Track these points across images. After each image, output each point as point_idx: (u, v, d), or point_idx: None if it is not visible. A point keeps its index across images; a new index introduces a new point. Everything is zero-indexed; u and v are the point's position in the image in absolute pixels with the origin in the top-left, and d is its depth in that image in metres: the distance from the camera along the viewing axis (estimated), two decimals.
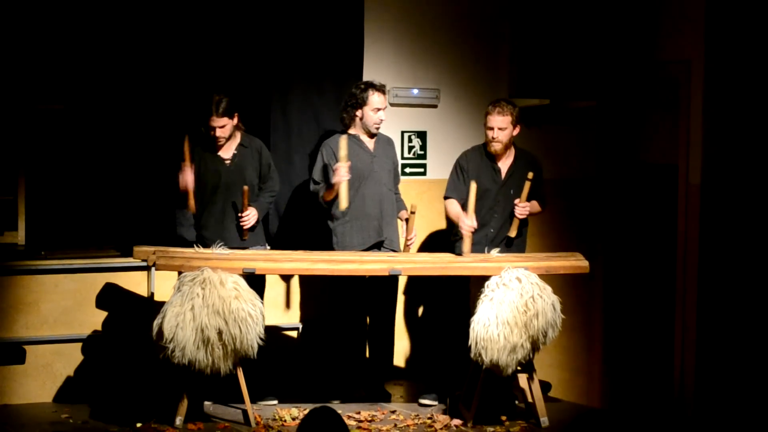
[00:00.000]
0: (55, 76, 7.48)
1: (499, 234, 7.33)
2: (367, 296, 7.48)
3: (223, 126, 7.12)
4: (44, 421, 6.89)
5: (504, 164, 7.40)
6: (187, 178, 7.09)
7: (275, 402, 7.25)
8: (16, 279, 7.32)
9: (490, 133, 7.32)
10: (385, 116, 7.44)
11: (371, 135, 7.45)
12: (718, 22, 7.99)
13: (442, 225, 8.12)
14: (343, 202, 7.19)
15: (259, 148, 7.34)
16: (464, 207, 7.25)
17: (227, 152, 7.24)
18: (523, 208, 7.29)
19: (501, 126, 7.29)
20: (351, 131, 7.46)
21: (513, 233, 7.32)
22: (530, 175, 7.27)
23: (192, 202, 7.12)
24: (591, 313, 8.89)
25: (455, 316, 7.24)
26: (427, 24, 8.36)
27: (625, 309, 8.84)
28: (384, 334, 7.60)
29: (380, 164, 7.47)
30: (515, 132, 7.35)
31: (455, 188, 7.37)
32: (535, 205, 7.44)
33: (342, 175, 7.14)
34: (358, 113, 7.40)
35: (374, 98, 7.38)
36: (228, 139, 7.19)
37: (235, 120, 7.17)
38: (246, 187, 7.13)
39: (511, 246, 7.33)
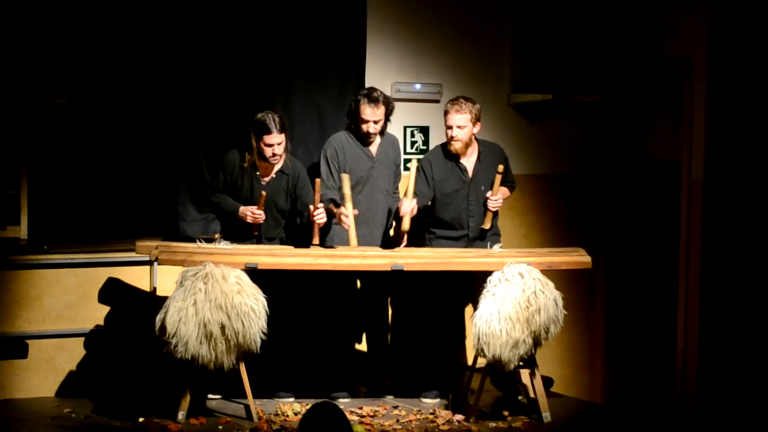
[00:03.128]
0: (58, 70, 7.48)
1: (476, 231, 7.33)
2: (363, 291, 7.48)
3: (281, 143, 7.11)
4: (47, 416, 6.90)
5: (469, 162, 7.36)
6: (259, 219, 7.13)
7: (291, 398, 7.25)
8: (19, 273, 7.33)
9: (449, 132, 7.28)
10: (376, 129, 7.37)
11: (366, 142, 7.41)
12: (722, 17, 7.98)
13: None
14: (353, 242, 7.16)
15: (297, 174, 7.28)
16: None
17: (268, 174, 7.23)
18: (495, 201, 7.29)
19: (459, 124, 7.25)
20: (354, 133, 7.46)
21: (487, 225, 7.33)
22: (500, 168, 7.26)
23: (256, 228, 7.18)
24: (593, 309, 8.89)
25: (457, 311, 7.24)
26: (430, 19, 8.35)
27: (628, 305, 8.84)
28: (380, 328, 7.60)
29: (380, 170, 7.44)
30: (476, 129, 7.32)
31: (417, 191, 7.32)
32: (505, 192, 7.45)
33: (347, 219, 7.09)
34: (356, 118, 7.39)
35: (363, 109, 7.32)
36: (281, 156, 7.16)
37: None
38: (318, 180, 7.12)
39: (484, 239, 7.32)
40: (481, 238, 7.34)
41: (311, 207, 7.10)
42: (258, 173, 7.19)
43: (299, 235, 7.36)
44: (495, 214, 7.40)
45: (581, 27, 8.48)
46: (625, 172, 8.84)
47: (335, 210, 7.16)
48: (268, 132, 7.06)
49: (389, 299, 7.72)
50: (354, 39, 8.00)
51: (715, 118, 8.01)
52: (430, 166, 7.38)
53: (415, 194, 7.24)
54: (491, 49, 8.51)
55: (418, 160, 7.34)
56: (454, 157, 7.34)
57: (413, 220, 7.30)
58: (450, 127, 7.27)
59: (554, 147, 8.67)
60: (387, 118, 7.43)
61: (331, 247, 7.27)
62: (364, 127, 7.34)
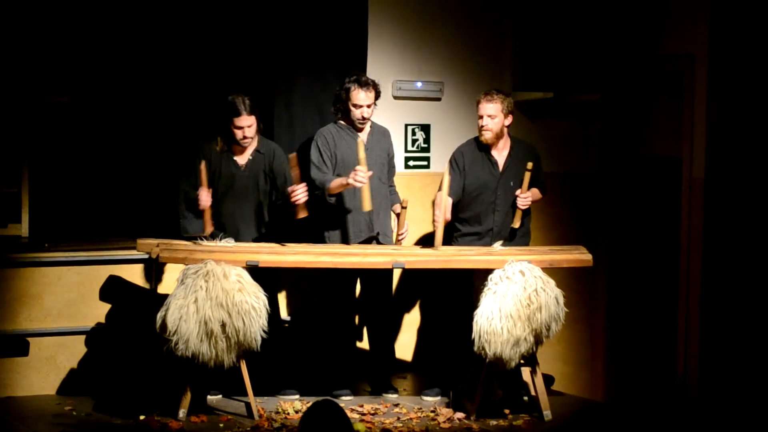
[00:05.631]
0: (60, 68, 7.48)
1: (502, 228, 7.32)
2: (363, 290, 7.48)
3: (251, 125, 7.11)
4: (48, 414, 6.90)
5: (500, 156, 7.37)
6: (204, 201, 7.00)
7: (296, 396, 7.25)
8: (20, 271, 7.33)
9: (480, 122, 7.30)
10: (369, 113, 7.36)
11: (358, 129, 7.41)
12: (723, 15, 7.98)
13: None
14: (366, 205, 7.13)
15: (272, 152, 7.27)
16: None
17: (243, 157, 7.22)
18: (524, 198, 7.28)
19: (490, 114, 7.26)
20: (342, 122, 7.42)
21: (517, 224, 7.31)
22: (529, 165, 7.25)
23: (208, 221, 7.04)
24: (594, 307, 8.89)
25: (458, 309, 7.24)
26: (431, 17, 8.35)
27: (629, 302, 8.84)
28: (384, 326, 7.60)
29: (373, 157, 7.42)
30: (507, 122, 7.32)
31: (449, 185, 7.32)
32: (536, 193, 7.43)
33: (362, 178, 7.07)
34: (343, 106, 7.37)
35: (355, 94, 7.30)
36: (252, 138, 7.17)
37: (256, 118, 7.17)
38: (293, 155, 7.09)
39: (514, 238, 7.32)
40: (511, 237, 7.33)
41: (290, 188, 7.04)
42: (234, 157, 7.19)
43: (286, 225, 7.35)
44: (526, 213, 7.38)
45: (582, 25, 8.48)
46: (626, 170, 8.84)
47: (344, 181, 7.13)
48: (238, 114, 7.05)
49: (393, 297, 7.71)
50: (355, 36, 8.00)
51: (716, 116, 8.01)
52: (462, 156, 7.36)
53: (450, 193, 7.22)
54: (492, 47, 8.51)
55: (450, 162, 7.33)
56: (485, 150, 7.34)
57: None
58: (481, 117, 7.28)
59: (555, 145, 8.66)
60: (375, 102, 7.42)
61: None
62: (359, 112, 7.32)
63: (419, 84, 8.28)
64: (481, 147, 7.35)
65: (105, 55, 7.52)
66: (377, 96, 7.39)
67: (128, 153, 7.69)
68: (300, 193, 7.01)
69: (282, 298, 7.92)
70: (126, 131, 7.67)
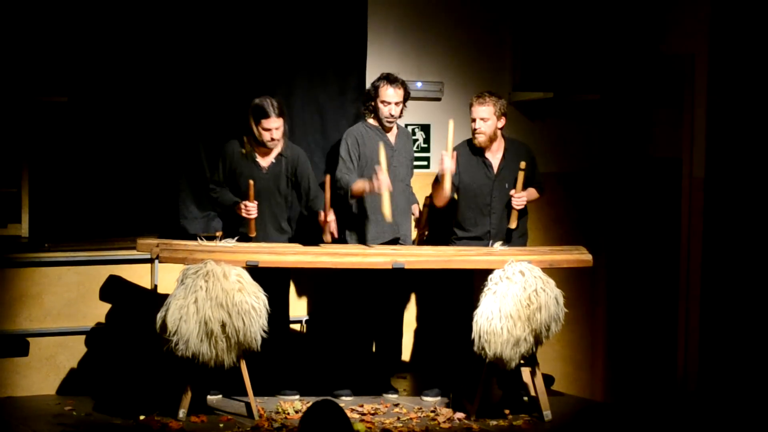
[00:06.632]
0: (59, 68, 7.46)
1: (499, 230, 7.31)
2: (374, 290, 7.47)
3: (278, 127, 7.12)
4: (48, 414, 6.90)
5: (495, 158, 7.36)
6: (254, 213, 7.08)
7: (297, 396, 7.24)
8: (20, 271, 7.33)
9: (473, 125, 7.30)
10: (397, 111, 7.39)
11: (386, 128, 7.42)
12: (723, 15, 7.98)
13: (445, 219, 8.12)
14: (387, 213, 7.09)
15: (296, 157, 7.28)
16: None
17: (266, 160, 7.23)
18: (519, 198, 7.27)
19: (483, 116, 7.25)
20: (371, 121, 7.44)
21: (513, 225, 7.30)
22: (522, 164, 7.25)
23: (253, 228, 7.12)
24: (594, 307, 8.89)
25: (458, 309, 7.24)
26: (431, 16, 8.35)
27: (629, 302, 8.84)
28: (391, 328, 7.59)
29: (399, 159, 7.45)
30: (500, 124, 7.31)
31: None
32: (532, 193, 7.42)
33: (384, 184, 7.06)
34: (374, 104, 7.38)
35: (383, 91, 7.34)
36: (279, 141, 7.17)
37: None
38: (328, 177, 7.12)
39: (511, 240, 7.31)
40: (508, 238, 7.32)
41: (321, 212, 7.08)
42: (257, 159, 7.19)
43: (306, 229, 7.35)
44: (522, 214, 7.37)
45: (582, 25, 8.49)
46: (627, 170, 8.84)
47: (367, 186, 7.13)
48: (266, 116, 7.08)
49: (395, 298, 7.71)
50: (355, 37, 8.00)
51: (716, 116, 8.01)
52: (456, 155, 7.36)
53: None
54: (492, 47, 8.51)
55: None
56: (479, 152, 7.34)
57: (439, 218, 7.29)
58: (474, 120, 7.28)
59: (555, 145, 8.67)
60: (404, 103, 7.42)
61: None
62: (386, 109, 7.34)
63: (419, 84, 8.28)
64: (475, 150, 7.35)
65: (105, 55, 7.50)
66: (406, 95, 7.41)
67: (128, 152, 7.68)
68: (332, 222, 7.08)
69: (301, 299, 7.94)
70: (126, 131, 7.66)
